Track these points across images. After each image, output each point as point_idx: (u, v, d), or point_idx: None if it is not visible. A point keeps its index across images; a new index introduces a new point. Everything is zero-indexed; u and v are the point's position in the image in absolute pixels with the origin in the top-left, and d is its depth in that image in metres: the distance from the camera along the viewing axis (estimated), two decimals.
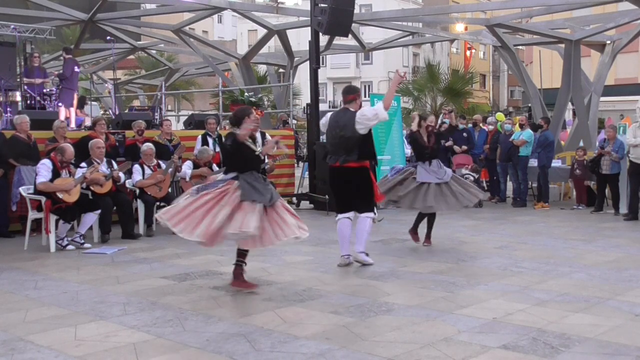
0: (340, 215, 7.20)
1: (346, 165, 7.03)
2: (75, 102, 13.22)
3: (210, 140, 10.95)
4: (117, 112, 15.58)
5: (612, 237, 9.11)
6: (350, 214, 7.19)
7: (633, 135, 10.82)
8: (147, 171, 9.61)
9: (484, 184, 14.65)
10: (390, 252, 8.05)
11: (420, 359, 4.22)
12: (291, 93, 15.76)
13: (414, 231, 8.51)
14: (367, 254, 7.28)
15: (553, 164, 13.02)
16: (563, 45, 19.30)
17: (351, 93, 7.27)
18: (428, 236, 8.50)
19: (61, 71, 13.30)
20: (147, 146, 9.85)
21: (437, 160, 8.41)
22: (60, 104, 12.73)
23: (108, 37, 17.40)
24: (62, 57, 13.89)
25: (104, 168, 8.95)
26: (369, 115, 6.96)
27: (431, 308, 5.40)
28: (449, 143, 12.82)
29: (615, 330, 4.77)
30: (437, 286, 6.20)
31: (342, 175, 7.11)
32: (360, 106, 7.25)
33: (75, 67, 13.10)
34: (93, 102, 17.59)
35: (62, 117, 12.00)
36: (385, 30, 22.18)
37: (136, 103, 30.79)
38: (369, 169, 7.12)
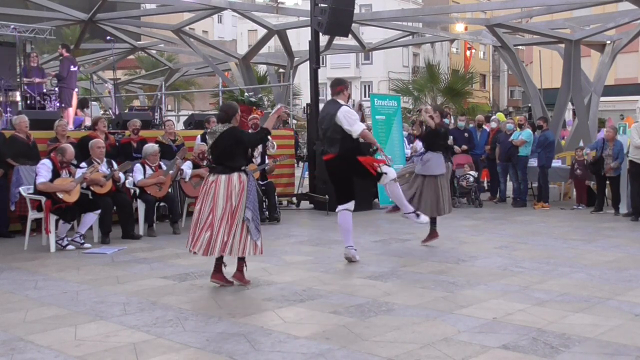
0: (340, 207, 7.24)
1: (331, 156, 7.13)
2: (74, 101, 13.20)
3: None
4: (117, 112, 15.58)
5: (612, 237, 9.11)
6: (350, 205, 7.23)
7: (638, 136, 10.67)
8: (149, 171, 9.61)
9: (484, 184, 14.67)
10: (390, 252, 8.05)
11: (420, 359, 4.22)
12: (291, 93, 15.75)
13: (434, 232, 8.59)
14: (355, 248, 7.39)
15: (553, 164, 13.02)
16: (563, 45, 19.29)
17: (339, 84, 7.35)
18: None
19: (58, 71, 13.29)
20: (153, 148, 9.83)
21: (432, 153, 8.40)
22: (62, 105, 12.73)
23: (108, 37, 17.40)
24: (60, 56, 13.86)
25: (104, 168, 8.95)
26: (348, 120, 7.01)
27: (431, 308, 5.40)
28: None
29: (615, 330, 4.77)
30: (437, 286, 6.20)
31: (332, 166, 7.21)
32: (349, 97, 7.37)
33: (72, 66, 13.02)
34: (93, 102, 17.55)
35: (66, 117, 12.02)
36: (385, 30, 22.18)
37: (136, 103, 30.78)
38: (355, 156, 7.14)
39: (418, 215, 7.62)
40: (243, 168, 6.24)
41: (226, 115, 6.28)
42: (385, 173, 7.21)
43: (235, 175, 6.12)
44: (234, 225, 6.05)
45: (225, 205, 6.05)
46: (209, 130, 6.45)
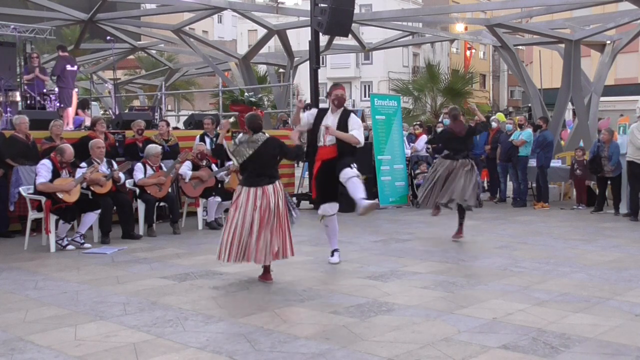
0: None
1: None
2: (73, 101, 13.19)
3: (207, 140, 10.96)
4: (117, 112, 15.57)
5: (612, 237, 9.11)
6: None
7: None
8: (149, 171, 9.61)
9: (484, 184, 14.66)
10: (390, 252, 8.04)
11: (420, 359, 4.22)
12: (291, 93, 15.74)
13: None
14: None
15: (553, 164, 13.02)
16: (563, 45, 19.28)
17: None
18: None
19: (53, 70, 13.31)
20: (155, 149, 9.82)
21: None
22: (62, 105, 12.74)
23: (108, 37, 17.39)
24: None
25: (104, 168, 8.95)
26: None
27: (431, 308, 5.40)
28: None
29: (615, 330, 4.77)
30: (437, 286, 6.20)
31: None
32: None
33: (68, 66, 12.97)
34: (93, 102, 17.56)
35: (66, 118, 12.03)
36: (385, 30, 22.16)
37: (136, 103, 30.78)
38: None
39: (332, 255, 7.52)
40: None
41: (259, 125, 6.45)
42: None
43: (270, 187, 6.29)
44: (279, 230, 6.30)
45: (263, 214, 6.19)
46: (246, 139, 6.40)
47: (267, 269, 6.46)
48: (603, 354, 4.28)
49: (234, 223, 6.23)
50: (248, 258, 6.23)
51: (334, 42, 20.11)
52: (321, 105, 8.43)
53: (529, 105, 23.66)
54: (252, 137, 6.38)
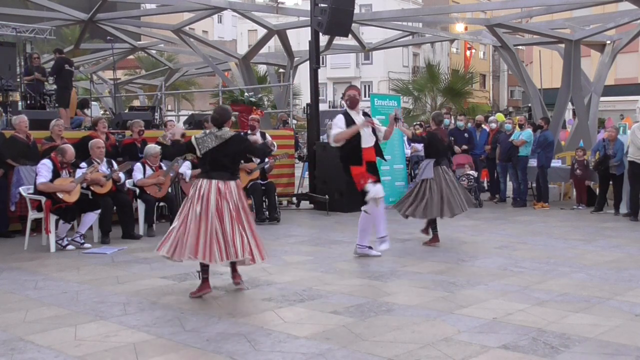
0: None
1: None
2: (71, 101, 13.17)
3: None
4: (117, 112, 15.57)
5: (612, 237, 9.11)
6: (366, 207, 7.57)
7: None
8: (149, 171, 9.61)
9: (484, 184, 14.66)
10: (390, 252, 8.03)
11: (420, 359, 4.22)
12: (291, 93, 15.75)
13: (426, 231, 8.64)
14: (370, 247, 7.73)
15: (553, 164, 13.01)
16: (563, 45, 19.29)
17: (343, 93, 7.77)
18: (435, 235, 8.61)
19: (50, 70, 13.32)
20: (154, 149, 9.79)
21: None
22: (57, 105, 12.74)
23: (108, 37, 17.38)
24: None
25: (104, 168, 8.95)
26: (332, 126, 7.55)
27: (431, 308, 5.40)
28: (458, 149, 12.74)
29: (615, 330, 4.77)
30: (437, 286, 6.20)
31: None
32: (349, 101, 7.60)
33: (66, 66, 13.01)
34: (93, 102, 17.56)
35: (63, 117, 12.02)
36: (385, 30, 22.17)
37: (136, 103, 30.79)
38: (349, 168, 7.44)
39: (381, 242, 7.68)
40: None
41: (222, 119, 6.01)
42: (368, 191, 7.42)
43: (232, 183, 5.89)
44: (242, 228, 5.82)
45: (235, 209, 5.77)
46: (213, 131, 5.97)
47: (236, 269, 6.11)
48: (603, 354, 4.28)
49: (198, 217, 5.69)
50: (236, 255, 5.71)
51: (334, 42, 20.12)
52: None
53: (529, 105, 23.65)
54: (218, 131, 5.94)
